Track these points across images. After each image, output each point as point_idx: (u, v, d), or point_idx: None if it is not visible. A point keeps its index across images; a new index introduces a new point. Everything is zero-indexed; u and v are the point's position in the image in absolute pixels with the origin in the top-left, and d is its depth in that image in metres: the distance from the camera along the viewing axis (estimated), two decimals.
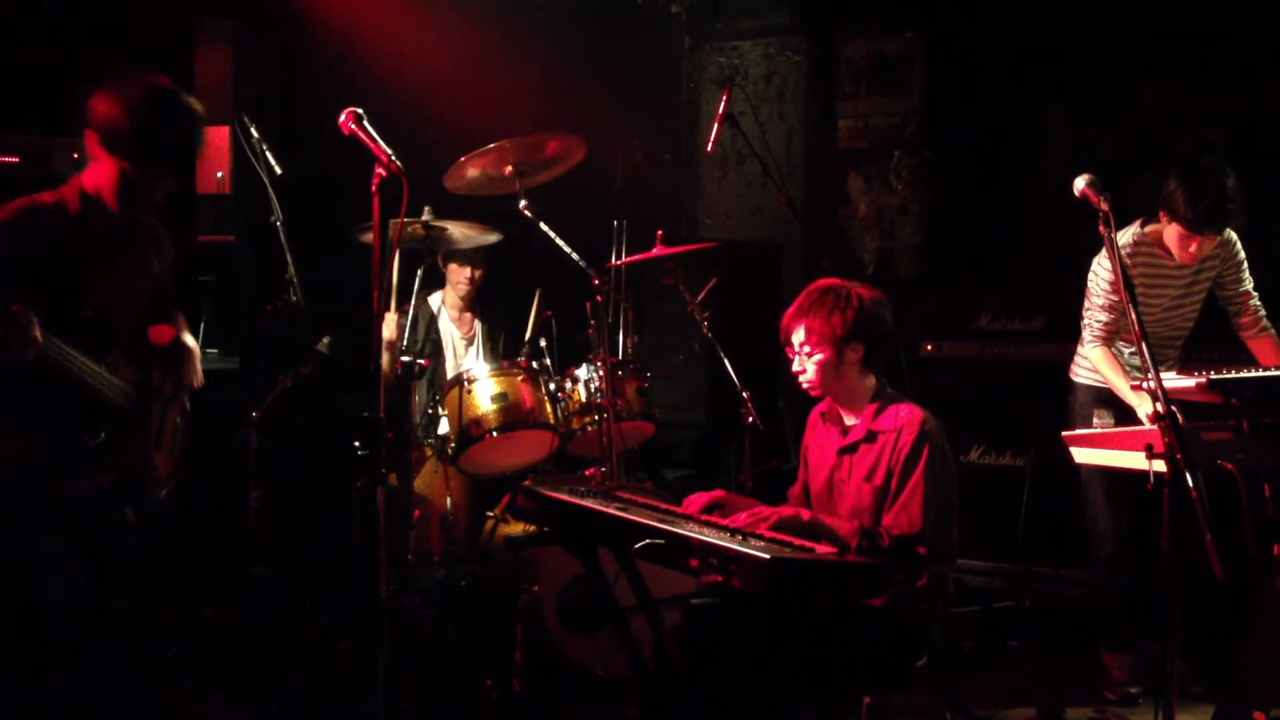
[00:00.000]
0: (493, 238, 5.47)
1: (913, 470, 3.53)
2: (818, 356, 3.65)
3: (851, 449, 3.68)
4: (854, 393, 3.71)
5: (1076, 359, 4.88)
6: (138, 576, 3.66)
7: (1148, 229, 4.65)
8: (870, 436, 3.64)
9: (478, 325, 5.93)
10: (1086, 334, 4.69)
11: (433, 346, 5.77)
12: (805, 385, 3.74)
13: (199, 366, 3.75)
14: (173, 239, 3.75)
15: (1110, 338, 4.62)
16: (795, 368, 3.74)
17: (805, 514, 3.51)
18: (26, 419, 3.30)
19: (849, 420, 3.73)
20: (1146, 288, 4.60)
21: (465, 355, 5.84)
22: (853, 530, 3.48)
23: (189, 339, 3.74)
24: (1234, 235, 4.67)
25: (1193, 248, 4.51)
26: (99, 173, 3.37)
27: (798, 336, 3.70)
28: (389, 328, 5.23)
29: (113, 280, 3.46)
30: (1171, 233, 4.51)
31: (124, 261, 3.50)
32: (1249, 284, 4.75)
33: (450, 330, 5.88)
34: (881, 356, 3.71)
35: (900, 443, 3.56)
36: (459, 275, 5.79)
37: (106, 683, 3.56)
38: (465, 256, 5.71)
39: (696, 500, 3.66)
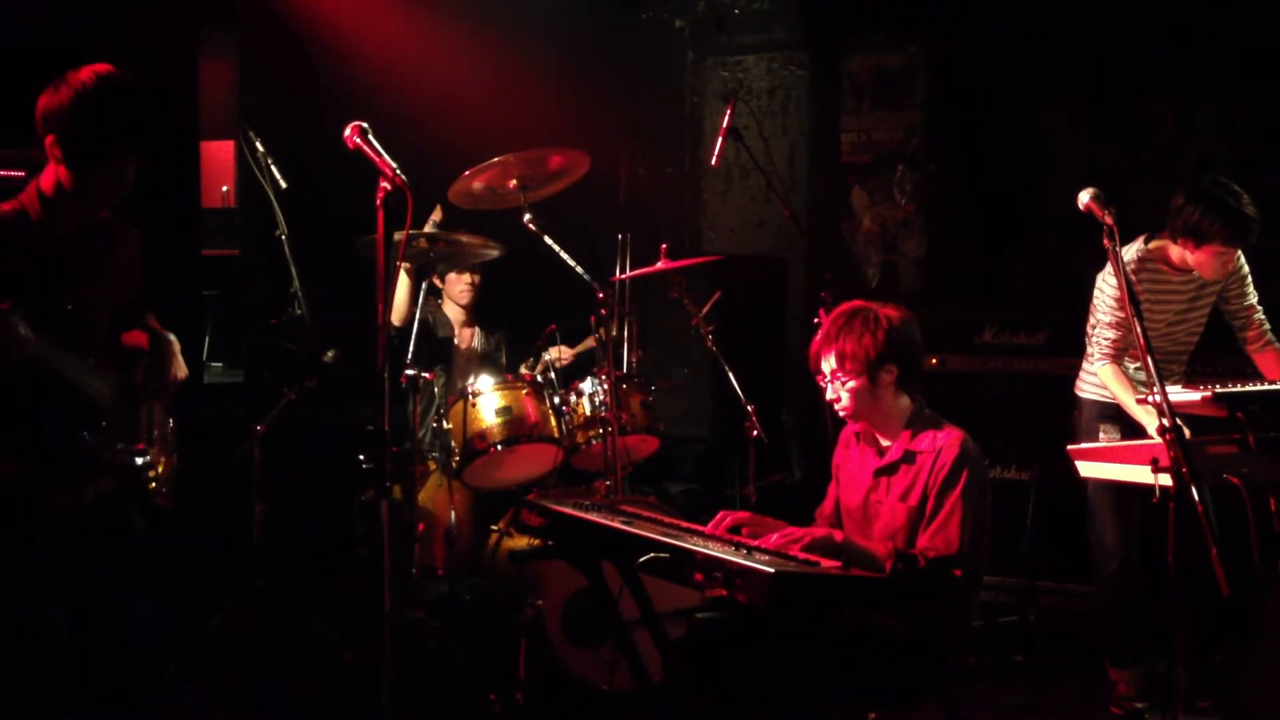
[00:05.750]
0: (494, 252, 5.49)
1: (951, 491, 3.45)
2: (851, 384, 3.55)
3: (889, 470, 3.60)
4: (890, 415, 3.62)
5: (1082, 374, 4.88)
6: (147, 587, 3.65)
7: (1151, 245, 4.64)
8: (908, 457, 3.56)
9: (477, 339, 5.93)
10: (1095, 351, 4.67)
11: (445, 349, 5.78)
12: (841, 412, 3.64)
13: (180, 358, 3.71)
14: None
15: (1119, 355, 4.60)
16: (829, 396, 3.64)
17: (838, 535, 3.44)
18: (17, 428, 3.28)
19: (885, 441, 3.65)
20: (1151, 303, 4.60)
21: (463, 370, 5.83)
22: (888, 552, 3.41)
23: (169, 334, 3.70)
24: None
25: (1230, 262, 4.54)
26: (55, 171, 3.32)
27: (829, 364, 3.60)
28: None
29: (82, 280, 3.41)
30: (1204, 255, 4.47)
31: (91, 260, 3.45)
32: (1254, 298, 4.75)
33: (455, 345, 5.89)
34: (915, 375, 3.63)
35: (939, 463, 3.49)
36: (459, 283, 5.81)
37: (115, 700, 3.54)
38: (460, 264, 5.72)
39: (723, 519, 3.57)
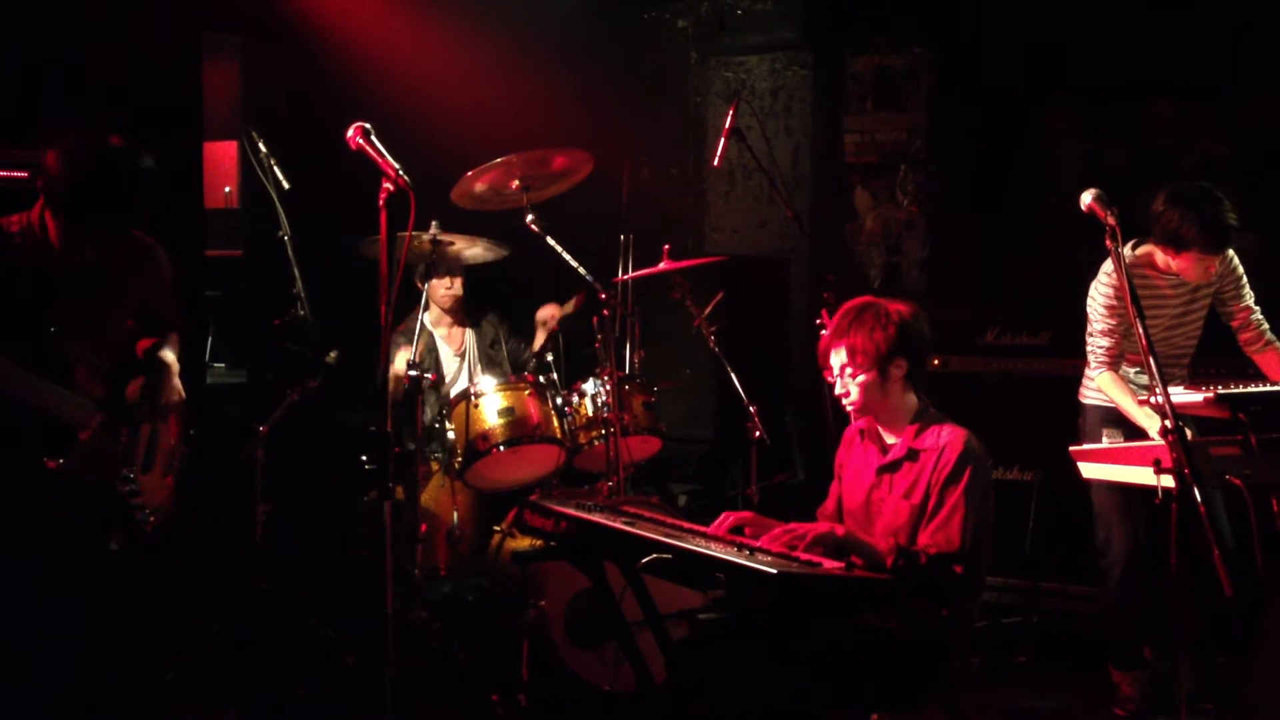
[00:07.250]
0: (500, 253, 5.48)
1: (953, 489, 3.47)
2: (861, 378, 3.58)
3: (892, 467, 3.62)
4: (896, 411, 3.64)
5: (1085, 381, 4.85)
6: (123, 608, 3.65)
7: (1139, 251, 4.62)
8: (912, 455, 3.58)
9: (469, 339, 5.92)
10: (1092, 360, 4.66)
11: (433, 362, 5.78)
12: (849, 407, 3.66)
13: (176, 382, 3.71)
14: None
15: (1115, 362, 4.59)
16: (838, 390, 3.66)
17: (840, 530, 3.45)
18: None
19: (889, 439, 3.67)
20: (1144, 309, 4.57)
21: (460, 371, 5.83)
22: (890, 548, 3.42)
23: (167, 354, 3.70)
24: (1231, 250, 4.63)
25: (1211, 268, 4.51)
26: (45, 211, 3.39)
27: (839, 358, 3.62)
28: (399, 362, 5.25)
29: (79, 300, 3.44)
30: (1184, 262, 4.45)
31: (93, 280, 3.48)
32: (1249, 298, 4.72)
33: (444, 348, 5.88)
34: (923, 371, 3.66)
35: (942, 461, 3.50)
36: (440, 288, 5.78)
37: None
38: (443, 269, 5.70)
39: (726, 519, 3.58)
